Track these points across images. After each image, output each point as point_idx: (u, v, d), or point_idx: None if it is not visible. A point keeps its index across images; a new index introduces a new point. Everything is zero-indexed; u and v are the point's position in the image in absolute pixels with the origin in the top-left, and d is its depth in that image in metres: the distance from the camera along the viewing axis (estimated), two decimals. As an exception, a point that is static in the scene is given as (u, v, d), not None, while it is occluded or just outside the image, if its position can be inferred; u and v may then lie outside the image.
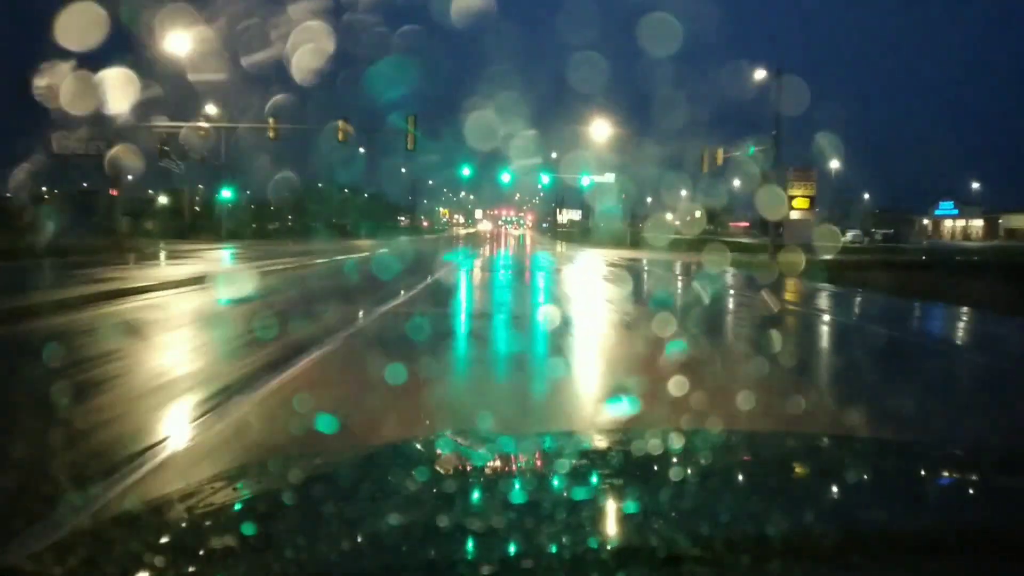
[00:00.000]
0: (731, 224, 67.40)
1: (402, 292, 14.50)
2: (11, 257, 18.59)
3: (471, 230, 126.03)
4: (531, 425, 5.08)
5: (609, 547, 1.00)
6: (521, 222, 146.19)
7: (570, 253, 39.79)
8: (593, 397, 6.30)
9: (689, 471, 1.49)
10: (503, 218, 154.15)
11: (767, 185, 33.67)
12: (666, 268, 28.18)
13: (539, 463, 1.66)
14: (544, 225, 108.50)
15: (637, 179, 45.52)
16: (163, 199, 50.05)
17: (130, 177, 33.02)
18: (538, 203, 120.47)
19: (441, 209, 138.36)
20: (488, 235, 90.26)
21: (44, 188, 44.12)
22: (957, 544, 1.04)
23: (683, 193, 46.95)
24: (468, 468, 1.55)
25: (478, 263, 30.07)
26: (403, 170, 79.18)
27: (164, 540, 1.18)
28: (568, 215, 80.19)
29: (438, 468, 1.53)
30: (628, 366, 7.62)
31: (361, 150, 55.19)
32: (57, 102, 25.73)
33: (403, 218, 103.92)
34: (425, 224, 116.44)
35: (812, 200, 36.75)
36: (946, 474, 1.58)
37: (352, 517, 1.18)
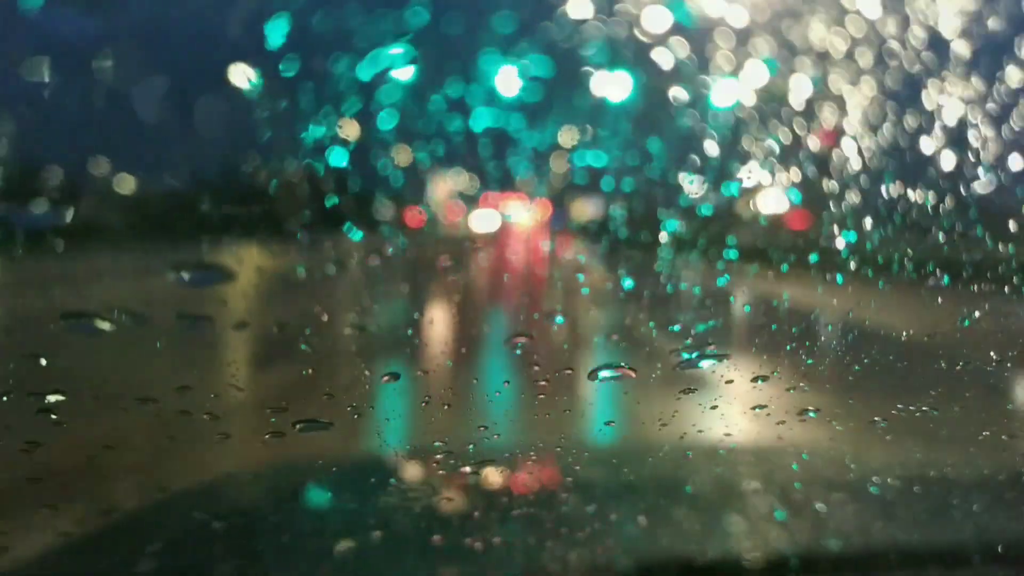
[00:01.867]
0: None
1: None
2: None
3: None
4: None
5: (602, 556, 0.99)
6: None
7: None
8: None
9: (691, 480, 1.47)
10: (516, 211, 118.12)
11: None
12: None
13: (546, 469, 1.65)
14: None
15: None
16: None
17: None
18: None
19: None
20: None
21: None
22: (963, 555, 1.05)
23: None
24: (457, 480, 1.51)
25: None
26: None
27: (163, 542, 1.18)
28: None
29: (424, 479, 1.54)
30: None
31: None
32: None
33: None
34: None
35: None
36: (953, 490, 1.55)
37: (342, 525, 1.21)
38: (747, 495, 1.44)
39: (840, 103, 3.00)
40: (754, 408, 2.28)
